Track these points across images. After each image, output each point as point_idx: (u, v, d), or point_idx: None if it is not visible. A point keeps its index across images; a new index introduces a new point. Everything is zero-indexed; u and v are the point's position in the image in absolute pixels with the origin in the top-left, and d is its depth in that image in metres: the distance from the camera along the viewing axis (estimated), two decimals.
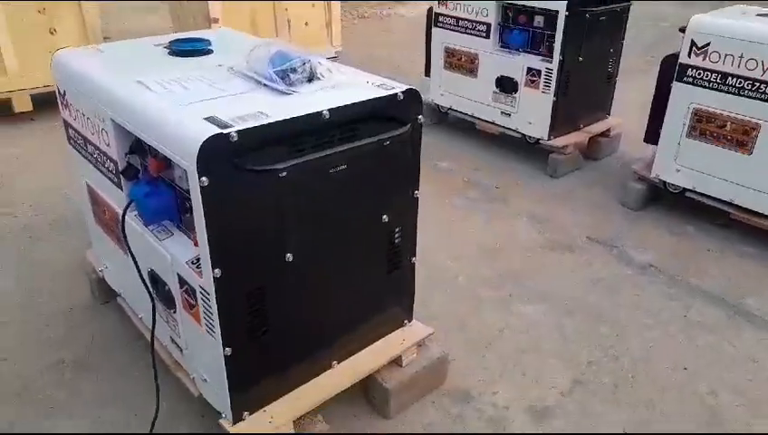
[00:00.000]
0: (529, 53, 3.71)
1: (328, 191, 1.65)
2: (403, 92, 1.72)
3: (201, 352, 1.76)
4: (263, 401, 1.78)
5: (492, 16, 3.80)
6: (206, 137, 1.36)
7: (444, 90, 4.28)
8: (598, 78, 3.87)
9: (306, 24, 5.35)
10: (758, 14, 3.05)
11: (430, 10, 4.20)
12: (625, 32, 3.85)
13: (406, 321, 2.11)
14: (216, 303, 1.55)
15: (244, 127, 1.42)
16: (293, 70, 1.67)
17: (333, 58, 5.56)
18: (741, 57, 2.83)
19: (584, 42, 3.59)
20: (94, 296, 2.56)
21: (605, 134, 4.02)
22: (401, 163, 1.81)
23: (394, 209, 1.85)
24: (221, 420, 1.76)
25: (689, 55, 2.99)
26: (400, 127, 1.69)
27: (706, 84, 2.96)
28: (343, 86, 1.72)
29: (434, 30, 4.20)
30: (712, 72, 2.93)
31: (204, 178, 1.39)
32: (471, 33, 3.95)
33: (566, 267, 2.91)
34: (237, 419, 1.74)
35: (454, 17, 4.02)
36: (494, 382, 2.21)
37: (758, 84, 2.80)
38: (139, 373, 2.17)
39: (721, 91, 2.92)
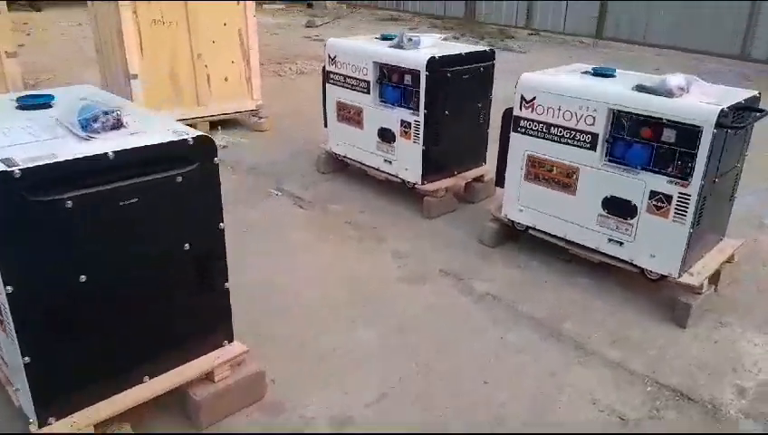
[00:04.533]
0: (402, 107, 4.11)
1: (119, 221, 1.94)
2: (194, 138, 2.04)
3: (13, 362, 1.99)
4: (69, 408, 2.01)
5: (371, 74, 4.21)
6: None
7: (338, 140, 4.64)
8: (468, 129, 4.26)
9: (226, 79, 5.74)
10: (583, 72, 3.47)
11: (324, 68, 4.61)
12: (491, 87, 4.27)
13: (225, 341, 2.37)
14: (12, 315, 1.80)
15: (29, 166, 1.72)
16: (95, 119, 1.98)
17: (254, 111, 5.96)
18: (559, 109, 3.23)
19: (449, 97, 4.00)
20: None
21: (479, 180, 4.39)
22: (200, 198, 2.11)
23: (197, 239, 2.14)
24: (30, 425, 1.98)
25: (520, 108, 3.39)
26: (187, 166, 2.00)
27: (535, 134, 3.36)
28: (142, 133, 2.03)
29: (327, 86, 4.60)
30: (539, 122, 3.33)
31: None
32: (356, 90, 4.35)
33: (412, 296, 3.21)
34: (43, 423, 1.96)
35: (341, 75, 4.43)
36: (310, 396, 2.47)
37: (574, 133, 3.20)
38: None
39: (547, 139, 3.32)
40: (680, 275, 3.00)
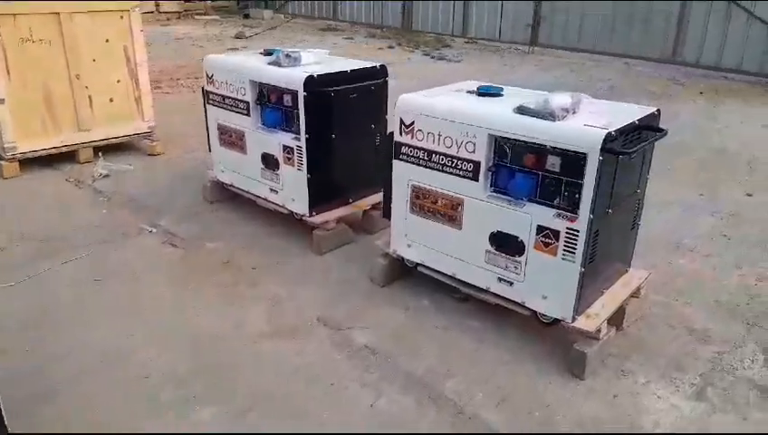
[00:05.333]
0: (284, 130, 3.68)
1: None
2: None
3: None
4: None
5: (249, 95, 3.77)
6: None
7: (223, 166, 4.18)
8: (362, 153, 3.85)
9: (111, 100, 5.21)
10: (468, 91, 3.09)
11: (203, 88, 4.15)
12: (386, 106, 3.87)
13: None
14: None
15: None
16: None
17: (147, 133, 5.44)
18: (439, 135, 2.85)
19: (335, 119, 3.59)
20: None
21: (377, 207, 3.99)
22: None
23: None
24: None
25: (401, 133, 3.01)
26: None
27: (417, 162, 2.97)
28: None
29: (207, 107, 4.14)
30: (420, 149, 2.95)
31: None
32: (235, 111, 3.90)
33: (275, 358, 2.76)
34: None
35: (220, 95, 3.98)
36: None
37: (455, 161, 2.82)
38: None
39: (429, 167, 2.93)
40: (574, 319, 2.65)
